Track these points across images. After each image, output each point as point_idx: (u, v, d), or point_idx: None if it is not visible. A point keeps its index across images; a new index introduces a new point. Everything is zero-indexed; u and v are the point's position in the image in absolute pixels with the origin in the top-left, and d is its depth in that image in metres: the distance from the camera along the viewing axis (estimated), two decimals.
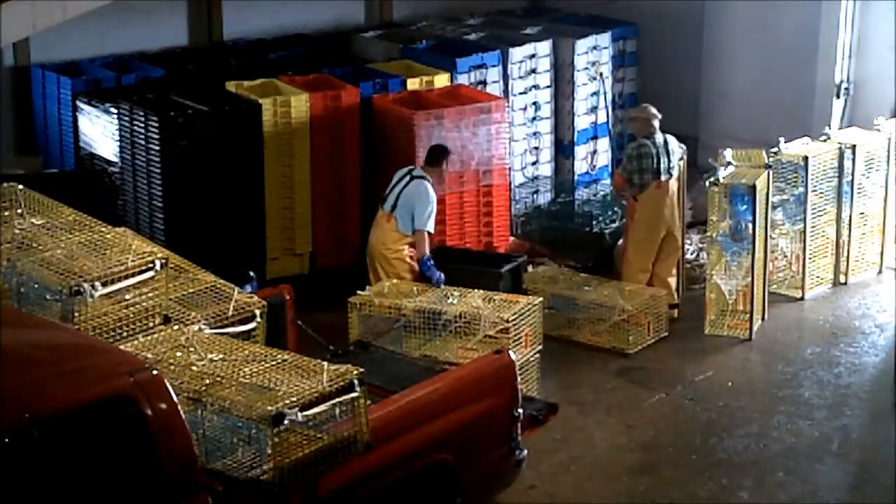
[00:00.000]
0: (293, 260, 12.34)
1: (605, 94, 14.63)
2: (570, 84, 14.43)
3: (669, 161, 11.90)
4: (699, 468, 9.77)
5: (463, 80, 13.45)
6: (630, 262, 12.09)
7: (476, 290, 10.36)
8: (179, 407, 6.63)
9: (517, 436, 8.54)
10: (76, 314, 7.56)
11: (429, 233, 11.06)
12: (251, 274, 10.65)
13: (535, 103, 14.22)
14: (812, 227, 12.56)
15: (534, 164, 14.33)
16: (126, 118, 11.88)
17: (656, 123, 11.96)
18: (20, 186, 8.52)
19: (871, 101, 14.47)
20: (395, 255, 11.06)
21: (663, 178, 11.85)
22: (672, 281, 12.18)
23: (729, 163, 11.89)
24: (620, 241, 12.94)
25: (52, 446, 6.13)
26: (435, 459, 7.95)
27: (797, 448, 10.07)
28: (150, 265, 7.93)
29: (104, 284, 7.70)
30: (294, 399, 6.86)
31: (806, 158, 12.36)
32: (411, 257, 11.04)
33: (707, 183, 11.85)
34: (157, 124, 11.54)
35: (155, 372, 6.65)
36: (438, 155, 11.42)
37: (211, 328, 8.05)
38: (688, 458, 9.91)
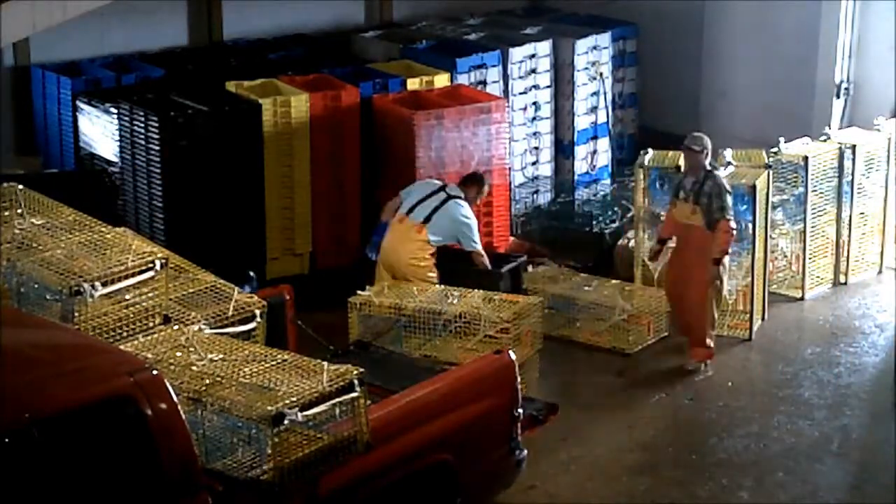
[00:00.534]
0: (293, 260, 12.34)
1: (605, 94, 14.64)
2: (570, 84, 14.43)
3: None
4: (699, 468, 9.77)
5: (463, 80, 13.46)
6: (710, 312, 11.23)
7: (476, 290, 10.36)
8: (179, 407, 6.64)
9: (517, 436, 8.54)
10: (76, 314, 7.56)
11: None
12: (251, 274, 10.66)
13: (535, 103, 14.22)
14: (812, 227, 12.55)
15: (534, 164, 14.33)
16: (126, 118, 11.88)
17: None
18: (20, 186, 8.52)
19: (871, 101, 14.47)
20: (424, 267, 11.01)
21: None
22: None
23: (729, 163, 11.89)
24: (620, 242, 12.95)
25: (52, 446, 6.13)
26: (435, 459, 7.95)
27: (797, 448, 10.07)
28: (150, 265, 7.93)
29: (104, 284, 7.69)
30: (294, 399, 6.86)
31: (806, 158, 12.36)
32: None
33: None
34: (157, 124, 11.54)
35: (155, 372, 6.65)
36: (479, 181, 11.49)
37: (211, 328, 8.05)
38: (688, 458, 9.91)
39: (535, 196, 14.28)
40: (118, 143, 12.00)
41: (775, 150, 12.41)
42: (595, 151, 14.84)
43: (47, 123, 12.86)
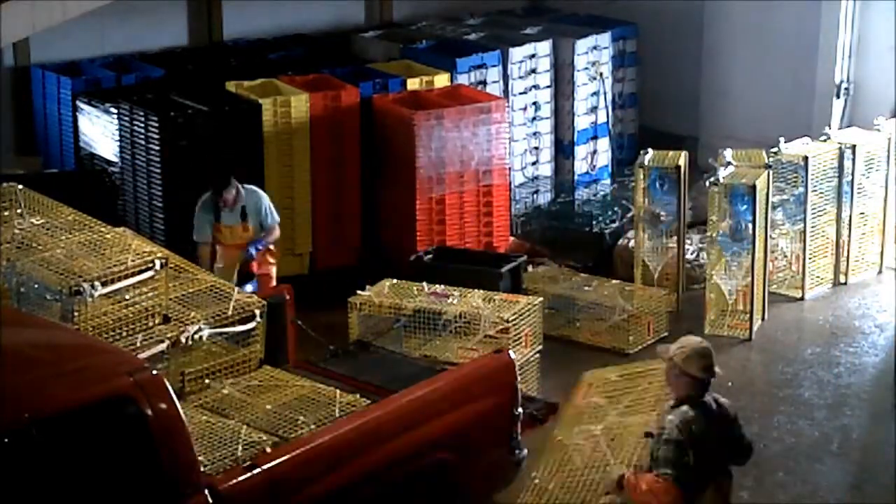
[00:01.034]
0: (293, 260, 12.34)
1: (605, 94, 14.64)
2: (570, 84, 14.44)
3: None
4: None
5: (463, 80, 13.46)
6: None
7: (476, 290, 10.35)
8: (179, 407, 6.64)
9: (517, 435, 8.54)
10: (76, 314, 7.57)
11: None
12: (251, 274, 10.68)
13: (535, 103, 14.22)
14: (812, 227, 12.55)
15: (534, 164, 14.33)
16: (126, 118, 11.88)
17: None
18: (20, 186, 8.54)
19: (871, 101, 14.46)
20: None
21: None
22: None
23: (729, 163, 11.89)
24: (620, 242, 12.95)
25: (52, 446, 6.13)
26: (435, 459, 7.95)
27: (797, 448, 10.06)
28: (150, 265, 7.95)
29: (104, 284, 7.71)
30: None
31: (806, 158, 12.35)
32: None
33: (707, 183, 11.85)
34: (157, 124, 11.55)
35: (155, 372, 6.66)
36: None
37: (211, 328, 8.06)
38: None
39: (535, 196, 14.28)
40: (118, 143, 12.01)
41: (775, 150, 12.40)
42: (595, 151, 14.84)
43: (47, 123, 12.86)
